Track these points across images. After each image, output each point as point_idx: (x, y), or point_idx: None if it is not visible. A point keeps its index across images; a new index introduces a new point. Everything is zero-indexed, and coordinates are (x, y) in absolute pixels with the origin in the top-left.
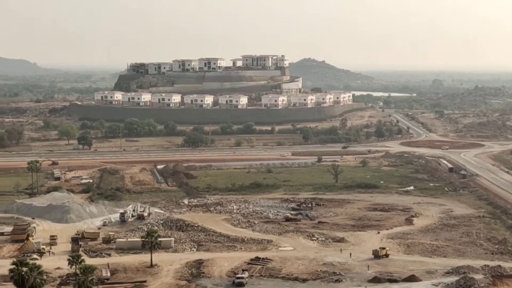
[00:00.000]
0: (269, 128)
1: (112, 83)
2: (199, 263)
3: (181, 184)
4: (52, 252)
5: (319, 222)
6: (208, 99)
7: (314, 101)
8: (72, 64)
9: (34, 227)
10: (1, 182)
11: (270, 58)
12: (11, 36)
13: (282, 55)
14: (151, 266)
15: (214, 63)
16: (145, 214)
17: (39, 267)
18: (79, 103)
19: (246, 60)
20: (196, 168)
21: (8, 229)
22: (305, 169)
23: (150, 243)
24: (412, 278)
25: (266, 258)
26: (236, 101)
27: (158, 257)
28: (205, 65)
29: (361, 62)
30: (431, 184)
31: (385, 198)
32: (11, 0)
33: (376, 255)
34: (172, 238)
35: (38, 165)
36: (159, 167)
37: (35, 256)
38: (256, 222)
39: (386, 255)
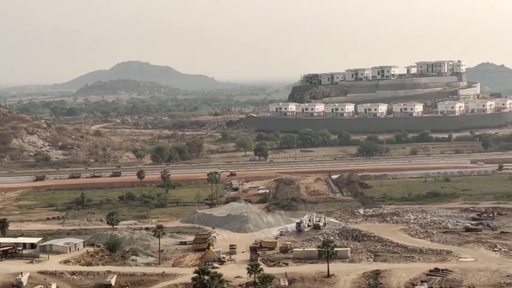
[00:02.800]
0: (446, 135)
1: (286, 95)
2: (377, 273)
3: (356, 193)
4: (232, 259)
5: (502, 232)
6: (382, 108)
7: (494, 107)
8: (248, 77)
9: (215, 237)
10: (183, 193)
11: (445, 64)
12: (190, 52)
13: (458, 60)
14: (328, 276)
15: (388, 71)
16: (321, 224)
17: (220, 275)
18: (254, 115)
19: (421, 66)
20: (371, 177)
21: (190, 238)
22: (485, 178)
23: (327, 253)
24: None
25: (446, 270)
26: (411, 109)
27: (335, 267)
28: (379, 74)
29: None
30: None
31: None
32: (190, 18)
33: None
34: (348, 248)
35: (217, 176)
36: (333, 177)
37: (216, 264)
38: (434, 232)
39: None
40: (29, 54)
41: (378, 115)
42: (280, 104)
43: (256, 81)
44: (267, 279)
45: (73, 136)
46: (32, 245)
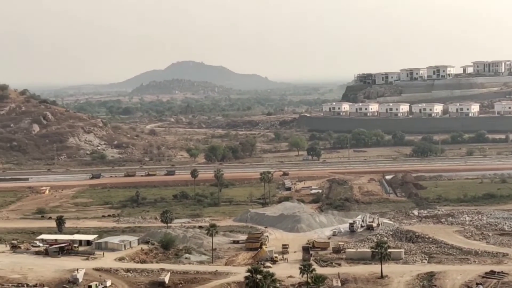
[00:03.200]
0: (502, 136)
1: (340, 95)
2: (431, 275)
3: (410, 194)
4: (285, 259)
5: None
6: (437, 108)
7: None
8: (301, 77)
9: (267, 236)
10: (236, 192)
11: (503, 64)
12: (244, 52)
13: None
14: (381, 277)
15: (444, 71)
16: (374, 224)
17: (272, 275)
18: (308, 115)
19: (477, 66)
20: (426, 178)
21: (243, 237)
22: None
23: (380, 254)
24: None
25: (502, 272)
26: (467, 109)
27: (388, 268)
28: (434, 73)
29: None
30: None
31: None
32: (244, 19)
33: None
34: (402, 250)
35: (270, 176)
36: (387, 177)
37: (268, 264)
38: (490, 234)
39: None
40: (87, 54)
41: (433, 115)
42: (334, 103)
43: (309, 80)
44: (320, 279)
45: (129, 135)
46: (88, 242)
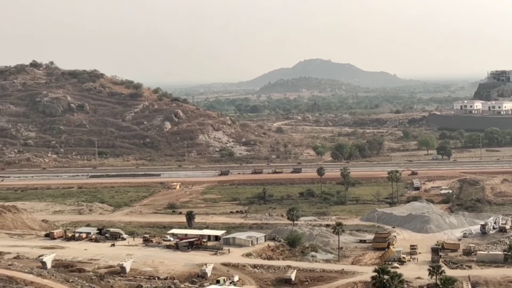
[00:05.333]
0: None
1: (472, 92)
2: None
3: None
4: (413, 259)
5: None
6: None
7: None
8: (431, 74)
9: (395, 236)
10: (363, 191)
11: None
12: (372, 50)
13: None
14: None
15: None
16: (507, 226)
17: (400, 275)
18: (438, 113)
19: None
20: None
21: (370, 237)
22: None
23: None
24: None
25: None
26: None
27: None
28: None
29: None
30: None
31: None
32: (368, 18)
33: None
34: None
35: (398, 175)
36: None
37: (396, 264)
38: None
39: None
40: (217, 54)
41: None
42: (465, 101)
43: (439, 78)
44: (450, 281)
45: (256, 133)
46: (216, 238)
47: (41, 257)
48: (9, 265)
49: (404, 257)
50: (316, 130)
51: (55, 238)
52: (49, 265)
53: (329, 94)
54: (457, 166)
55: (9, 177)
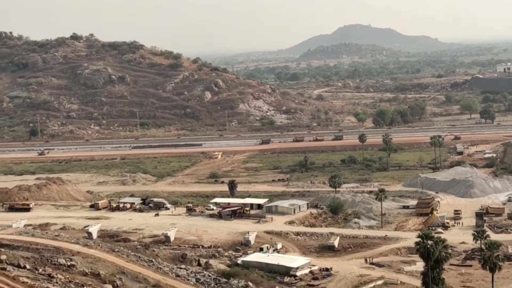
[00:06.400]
0: None
1: None
2: None
3: None
4: (457, 224)
5: None
6: None
7: None
8: (473, 37)
9: (438, 201)
10: (405, 156)
11: None
12: (413, 13)
13: None
14: None
15: None
16: None
17: (444, 240)
18: (480, 76)
19: None
20: None
21: (413, 202)
22: None
23: None
24: None
25: None
26: None
27: None
28: None
29: None
30: None
31: None
32: None
33: None
34: None
35: (441, 140)
36: None
37: (439, 229)
38: None
39: None
40: (255, 22)
41: None
42: (509, 64)
43: (482, 41)
44: (494, 245)
45: (296, 101)
46: (259, 206)
47: (86, 228)
48: (56, 236)
49: (448, 222)
50: (357, 96)
51: (100, 209)
52: (94, 235)
53: (369, 59)
54: (500, 129)
55: (53, 149)
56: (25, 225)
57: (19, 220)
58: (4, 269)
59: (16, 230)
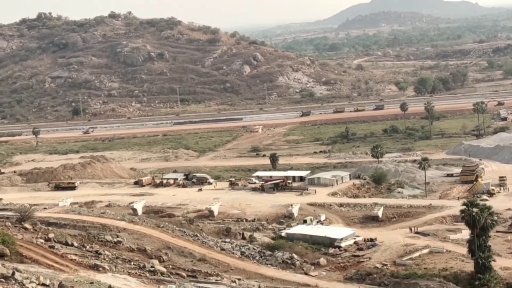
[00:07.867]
0: None
1: None
2: None
3: None
4: (505, 189)
5: None
6: None
7: None
8: None
9: (483, 168)
10: (448, 124)
11: None
12: None
13: None
14: None
15: None
16: None
17: (489, 208)
18: None
19: None
20: None
21: (457, 170)
22: None
23: None
24: None
25: None
26: None
27: None
28: None
29: None
30: None
31: None
32: None
33: None
34: None
35: (484, 106)
36: None
37: (484, 196)
38: None
39: None
40: None
41: None
42: None
43: None
44: None
45: (336, 72)
46: (301, 178)
47: (131, 204)
48: (101, 213)
49: (493, 189)
50: (397, 65)
51: (143, 185)
52: (139, 212)
53: (409, 27)
54: None
55: (96, 127)
56: (71, 203)
57: (65, 198)
58: (53, 247)
59: (63, 209)
